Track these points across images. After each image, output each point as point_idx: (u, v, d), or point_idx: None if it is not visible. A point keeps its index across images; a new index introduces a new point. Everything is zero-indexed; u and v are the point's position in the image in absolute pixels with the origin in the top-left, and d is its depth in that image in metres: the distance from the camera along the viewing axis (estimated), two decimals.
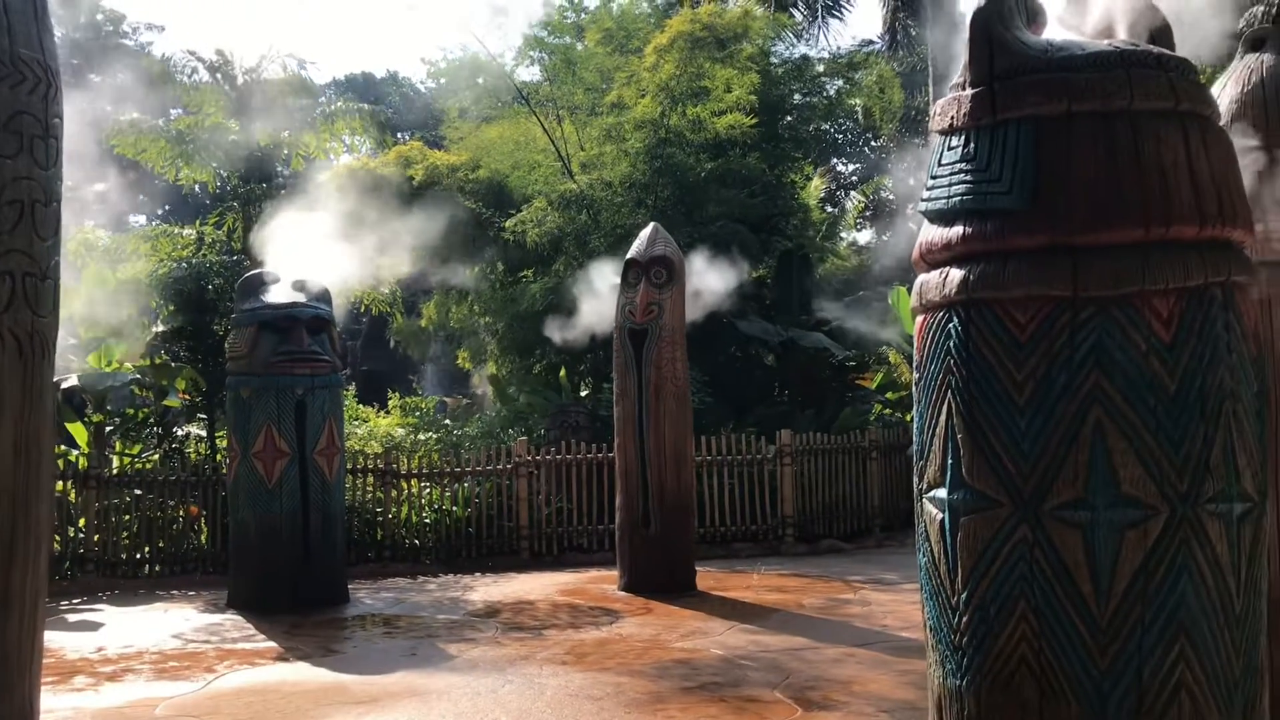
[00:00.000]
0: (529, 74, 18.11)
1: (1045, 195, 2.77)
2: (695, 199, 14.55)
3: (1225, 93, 4.45)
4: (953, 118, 2.99)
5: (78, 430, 12.12)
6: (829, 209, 22.44)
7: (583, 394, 15.40)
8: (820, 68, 19.68)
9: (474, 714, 5.37)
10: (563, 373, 15.49)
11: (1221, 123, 4.51)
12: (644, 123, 14.54)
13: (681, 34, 14.03)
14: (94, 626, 8.19)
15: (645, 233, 9.58)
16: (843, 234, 23.09)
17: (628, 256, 9.52)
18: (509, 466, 11.78)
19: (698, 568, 9.54)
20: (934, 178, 3.04)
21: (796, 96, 18.77)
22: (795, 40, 21.60)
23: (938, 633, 2.98)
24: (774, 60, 18.38)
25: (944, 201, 2.97)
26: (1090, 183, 2.73)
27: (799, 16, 21.89)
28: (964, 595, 2.85)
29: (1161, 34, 3.12)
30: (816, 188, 18.21)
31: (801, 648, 6.84)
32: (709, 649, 6.87)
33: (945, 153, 3.02)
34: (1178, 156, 2.74)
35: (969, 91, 2.96)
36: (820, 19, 22.50)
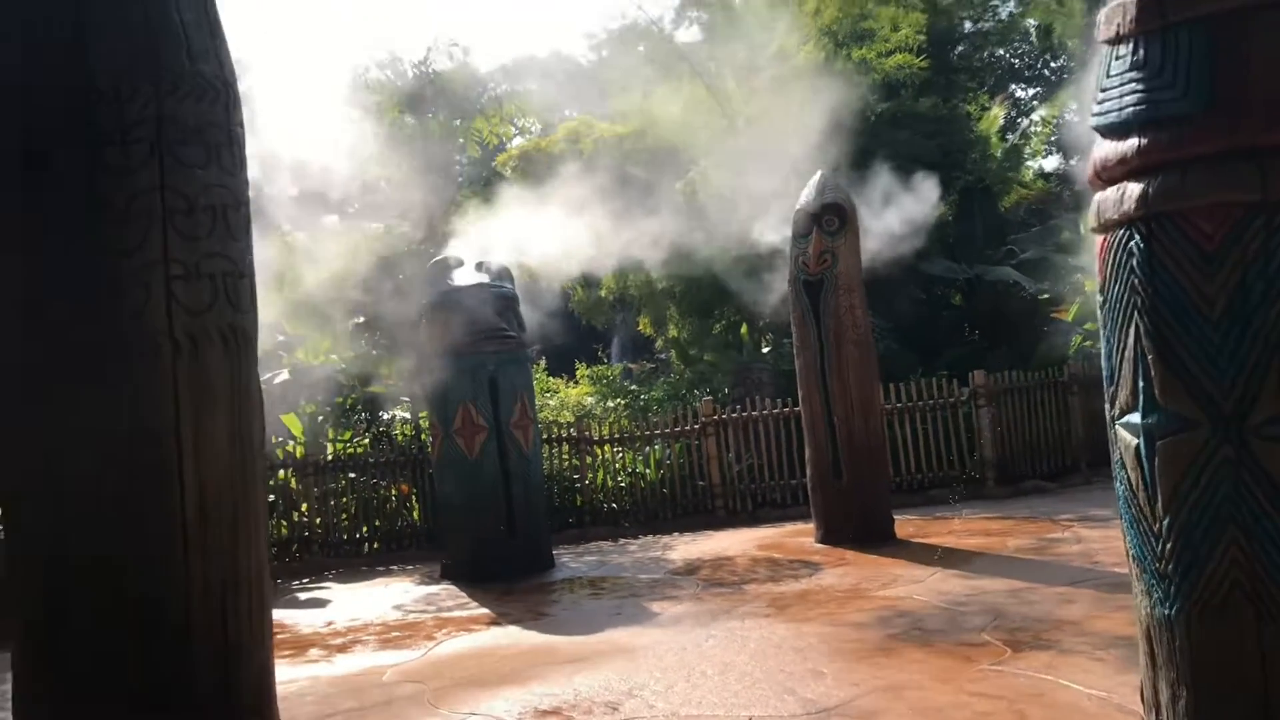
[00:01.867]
0: (688, 35, 18.07)
1: (1224, 96, 2.60)
2: (866, 143, 14.23)
3: None
4: (1119, 25, 2.84)
5: (292, 421, 12.91)
6: (1009, 138, 21.54)
7: (764, 350, 15.36)
8: None
9: (680, 668, 5.49)
10: (744, 330, 15.49)
11: None
12: (807, 69, 14.29)
13: None
14: (322, 603, 8.75)
15: (814, 180, 9.44)
16: (1027, 162, 22.11)
17: (797, 206, 9.42)
18: (696, 427, 11.91)
19: (896, 516, 9.42)
20: (1103, 90, 2.90)
21: (968, 24, 18.05)
22: None
23: (1141, 561, 2.87)
24: None
25: (1116, 114, 2.83)
26: (1273, 79, 2.55)
27: None
28: (1166, 521, 2.73)
29: None
30: (995, 117, 17.46)
31: (1009, 589, 6.67)
32: (911, 595, 6.79)
33: (1113, 63, 2.87)
34: None
35: None
36: None
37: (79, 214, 2.56)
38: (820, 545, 9.13)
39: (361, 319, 14.14)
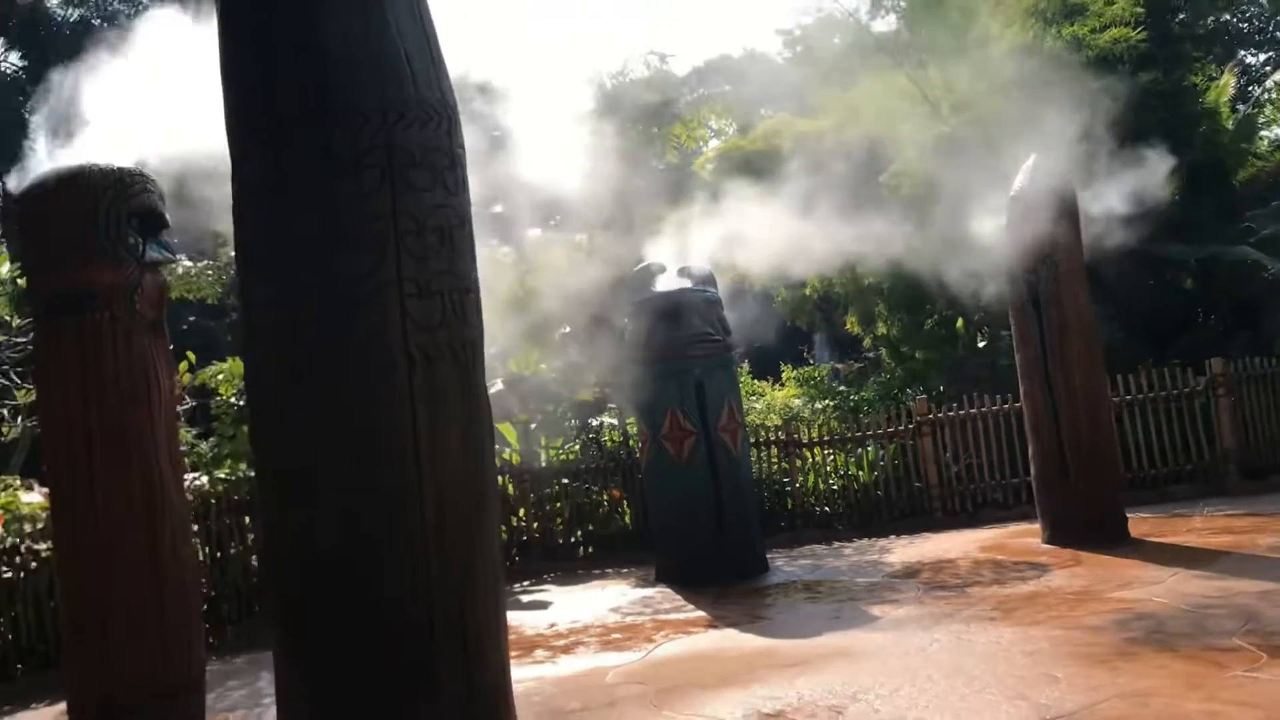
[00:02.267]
0: (885, 25, 17.67)
1: None
2: (1083, 123, 13.54)
3: None
4: None
5: (507, 430, 13.35)
6: (1240, 108, 20.07)
7: (980, 345, 14.84)
8: None
9: (904, 672, 5.35)
10: (959, 324, 15.01)
11: None
12: (1015, 50, 13.74)
13: None
14: (544, 605, 8.99)
15: (1026, 165, 9.06)
16: (1262, 133, 20.54)
17: (1011, 193, 9.05)
18: (910, 426, 11.61)
19: (1129, 514, 8.91)
20: None
21: None
22: None
23: None
24: None
25: None
26: None
27: None
28: None
29: None
30: (1225, 86, 16.29)
31: (1262, 591, 6.20)
32: (1150, 598, 6.40)
33: None
34: None
35: None
36: None
37: (319, 239, 2.71)
38: (1047, 546, 8.74)
39: (568, 329, 14.49)
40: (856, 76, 16.63)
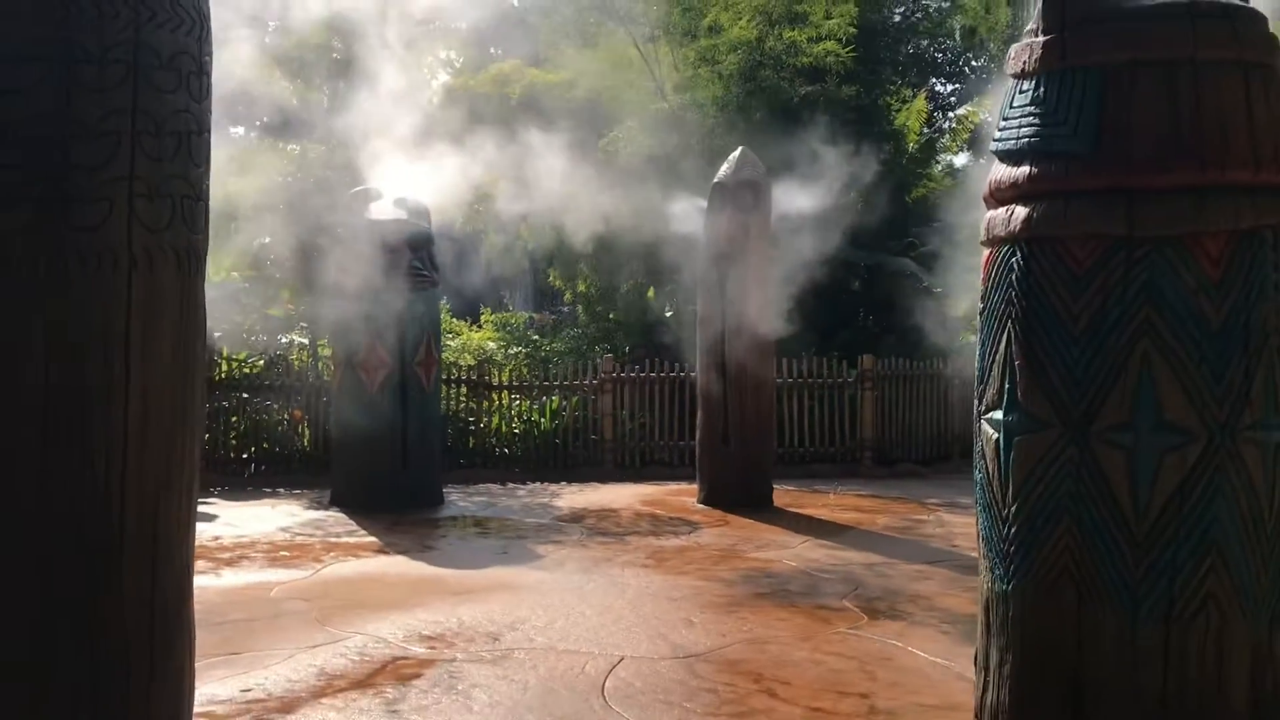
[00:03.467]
0: None
1: (1108, 140, 2.95)
2: (787, 123, 14.56)
3: None
4: (1025, 63, 3.17)
5: None
6: (925, 131, 22.12)
7: (668, 314, 15.68)
8: None
9: (560, 607, 5.79)
10: (650, 292, 15.78)
11: None
12: (739, 45, 14.54)
13: None
14: (209, 518, 8.79)
15: (733, 156, 9.73)
16: (940, 158, 22.71)
17: (714, 180, 9.70)
18: (595, 382, 12.19)
19: (776, 485, 9.86)
20: (1005, 119, 3.22)
21: (897, 16, 18.48)
22: None
23: (989, 542, 3.25)
24: None
25: (1013, 142, 3.17)
26: (1151, 129, 2.91)
27: None
28: (1014, 508, 3.11)
29: None
30: (915, 110, 17.93)
31: (874, 563, 7.13)
32: (783, 560, 7.21)
33: (1017, 96, 3.20)
34: (1237, 104, 2.89)
35: (1041, 38, 3.12)
36: None
37: (51, 125, 2.68)
38: (702, 505, 9.52)
39: (268, 239, 14.00)
40: (591, 36, 16.97)
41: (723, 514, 9.09)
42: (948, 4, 19.55)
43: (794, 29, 14.58)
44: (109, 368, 2.76)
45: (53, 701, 2.72)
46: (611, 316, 15.86)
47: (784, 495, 9.95)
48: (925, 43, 20.44)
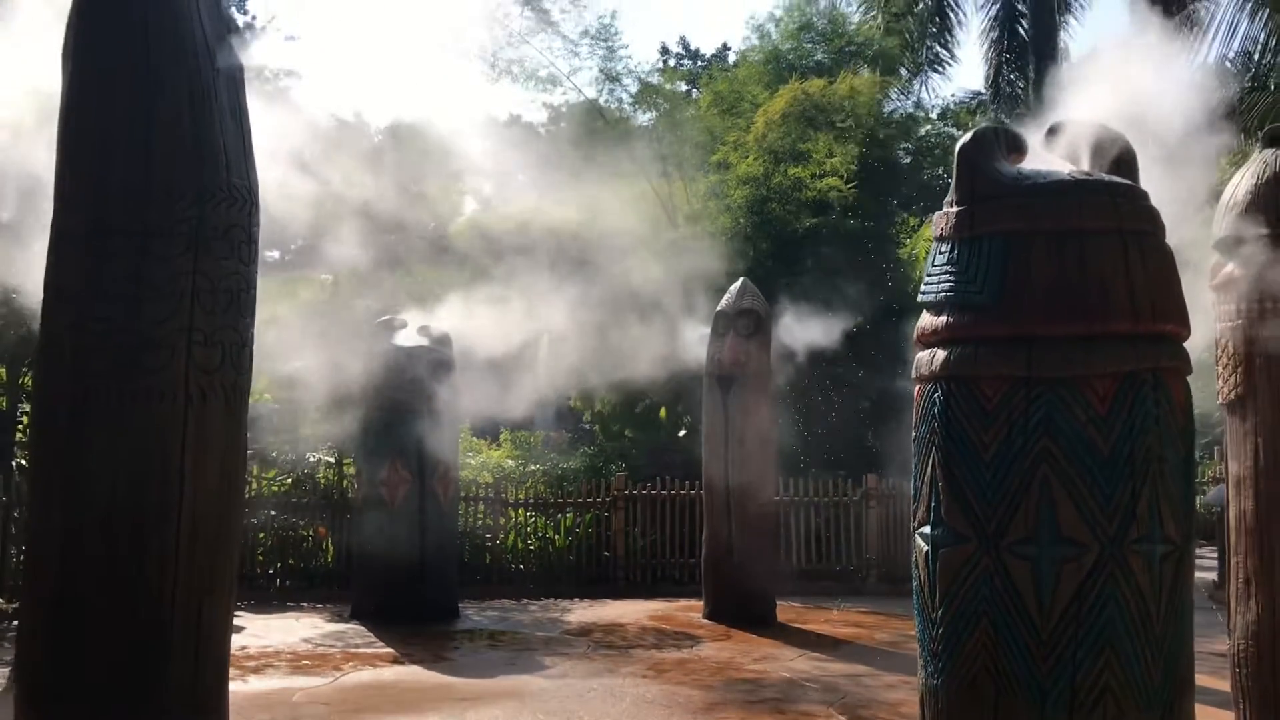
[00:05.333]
0: (646, 119, 18.99)
1: (1010, 296, 3.49)
2: (793, 254, 15.27)
3: (1241, 184, 5.10)
4: (943, 229, 3.74)
5: None
6: None
7: (680, 434, 16.17)
8: (926, 128, 20.21)
9: (561, 713, 6.18)
10: (662, 412, 16.30)
11: (1236, 212, 5.21)
12: (747, 179, 15.36)
13: (791, 108, 14.90)
14: (237, 630, 9.19)
15: (735, 286, 10.36)
16: None
17: (717, 309, 10.31)
18: (607, 499, 12.64)
19: (781, 602, 10.20)
20: (929, 275, 3.78)
21: (901, 152, 19.33)
22: (903, 96, 22.14)
23: (922, 643, 3.69)
24: (880, 120, 18.97)
25: (934, 294, 3.71)
26: (1045, 287, 3.45)
27: (904, 73, 22.40)
28: (940, 611, 3.56)
29: (1125, 160, 3.81)
30: (927, 238, 18.65)
31: (862, 674, 7.48)
32: (777, 671, 7.56)
33: (937, 256, 3.76)
34: (1117, 267, 3.43)
35: (954, 209, 3.70)
36: (924, 74, 22.99)
37: (129, 285, 3.29)
38: (706, 621, 9.86)
39: (299, 364, 14.65)
40: (609, 168, 17.85)
41: (726, 629, 9.43)
42: (955, 134, 20.39)
43: (798, 165, 15.40)
44: (167, 488, 3.30)
45: None
46: (627, 434, 16.36)
47: (788, 611, 10.28)
48: (940, 171, 21.27)
